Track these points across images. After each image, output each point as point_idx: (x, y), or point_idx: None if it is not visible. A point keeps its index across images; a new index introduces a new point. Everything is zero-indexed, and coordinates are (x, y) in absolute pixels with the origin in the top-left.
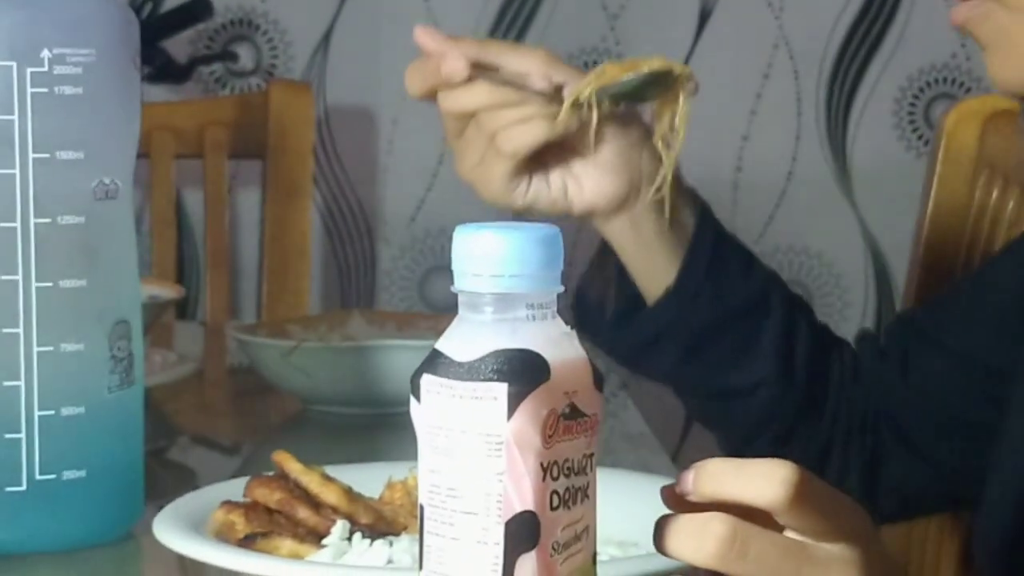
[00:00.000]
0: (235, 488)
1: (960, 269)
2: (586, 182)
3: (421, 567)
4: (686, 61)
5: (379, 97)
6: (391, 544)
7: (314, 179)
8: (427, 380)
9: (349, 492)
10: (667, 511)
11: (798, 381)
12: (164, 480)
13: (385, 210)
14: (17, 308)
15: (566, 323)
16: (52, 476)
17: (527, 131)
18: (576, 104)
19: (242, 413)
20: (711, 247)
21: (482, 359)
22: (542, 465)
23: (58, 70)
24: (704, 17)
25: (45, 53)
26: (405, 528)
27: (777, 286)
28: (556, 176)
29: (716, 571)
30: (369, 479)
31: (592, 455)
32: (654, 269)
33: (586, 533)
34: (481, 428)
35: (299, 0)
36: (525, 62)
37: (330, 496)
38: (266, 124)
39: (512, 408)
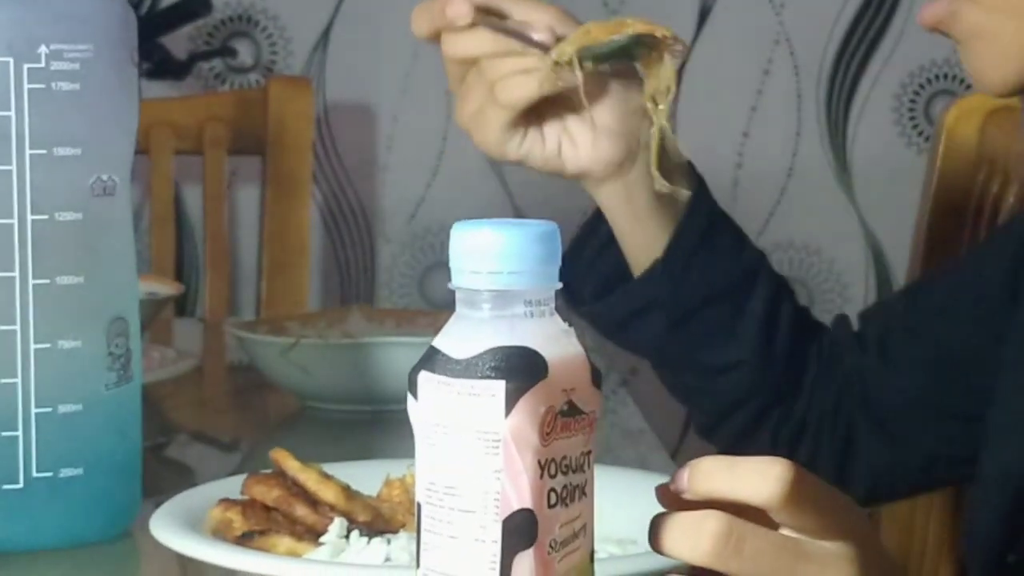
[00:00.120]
0: (232, 485)
1: None
2: (581, 143)
3: (418, 565)
4: (686, 58)
5: (379, 93)
6: (389, 542)
7: (313, 176)
8: (424, 377)
9: (347, 490)
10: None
11: (778, 362)
12: (163, 477)
13: (385, 207)
14: (14, 305)
15: (564, 320)
16: (49, 473)
17: (525, 83)
18: (559, 63)
19: (241, 410)
20: (704, 222)
21: (480, 356)
22: (540, 463)
23: (55, 66)
24: (704, 13)
25: (42, 49)
26: (403, 526)
27: (764, 267)
28: (552, 133)
29: (712, 569)
30: (367, 476)
31: (590, 453)
32: (644, 240)
33: (584, 531)
34: (478, 425)
35: None
36: (533, 14)
37: (328, 494)
38: (265, 120)
39: (510, 405)
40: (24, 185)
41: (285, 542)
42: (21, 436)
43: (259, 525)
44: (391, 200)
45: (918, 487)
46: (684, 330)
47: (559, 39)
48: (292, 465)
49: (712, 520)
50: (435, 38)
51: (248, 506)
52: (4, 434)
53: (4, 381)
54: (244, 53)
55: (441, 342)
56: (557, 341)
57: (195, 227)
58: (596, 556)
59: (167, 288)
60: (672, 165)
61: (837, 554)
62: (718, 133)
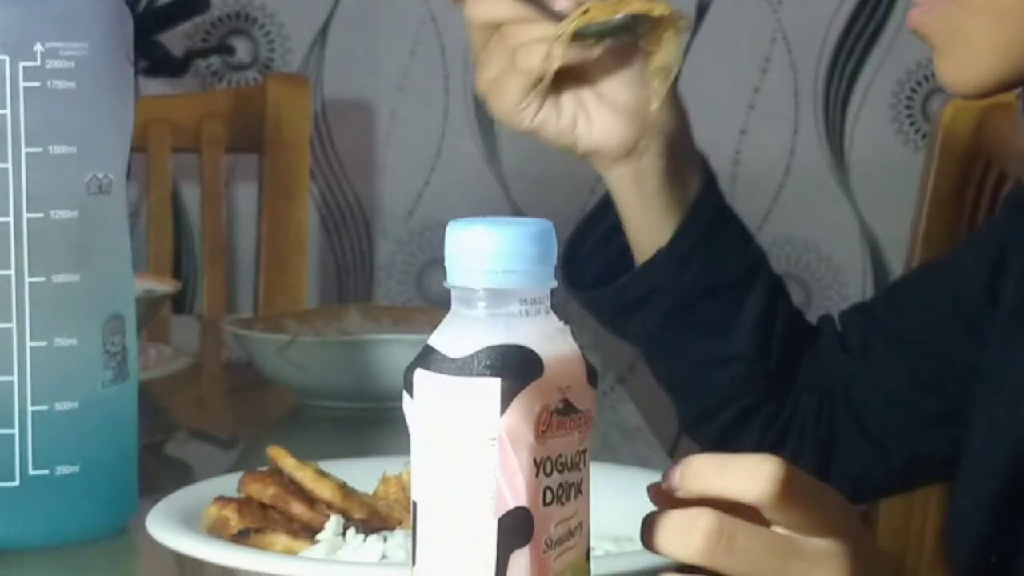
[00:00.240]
0: (229, 483)
1: None
2: (597, 121)
3: (414, 563)
4: (684, 55)
5: (376, 91)
6: (385, 540)
7: (311, 173)
8: (420, 375)
9: (343, 487)
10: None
11: (771, 360)
12: (160, 474)
13: (382, 204)
14: (10, 303)
15: (559, 318)
16: (45, 471)
17: (544, 51)
18: (559, 39)
19: (238, 407)
20: (710, 214)
21: (475, 355)
22: (535, 461)
23: (51, 64)
24: (702, 10)
25: (38, 47)
26: (399, 523)
27: (765, 266)
28: (568, 108)
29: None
30: (364, 474)
31: (585, 451)
32: (650, 227)
33: (580, 529)
34: (474, 424)
35: None
36: None
37: (324, 491)
38: (263, 118)
39: (505, 404)
40: (20, 183)
41: (281, 540)
42: (17, 434)
43: (255, 523)
44: (389, 197)
45: (899, 488)
46: (682, 321)
47: (586, 11)
48: (288, 463)
49: (703, 518)
50: (460, 1)
51: (244, 504)
52: (0, 432)
53: (0, 379)
54: (242, 51)
55: (437, 340)
56: (553, 339)
57: (193, 224)
58: (592, 554)
59: (164, 285)
60: (686, 156)
61: (828, 551)
62: (716, 131)
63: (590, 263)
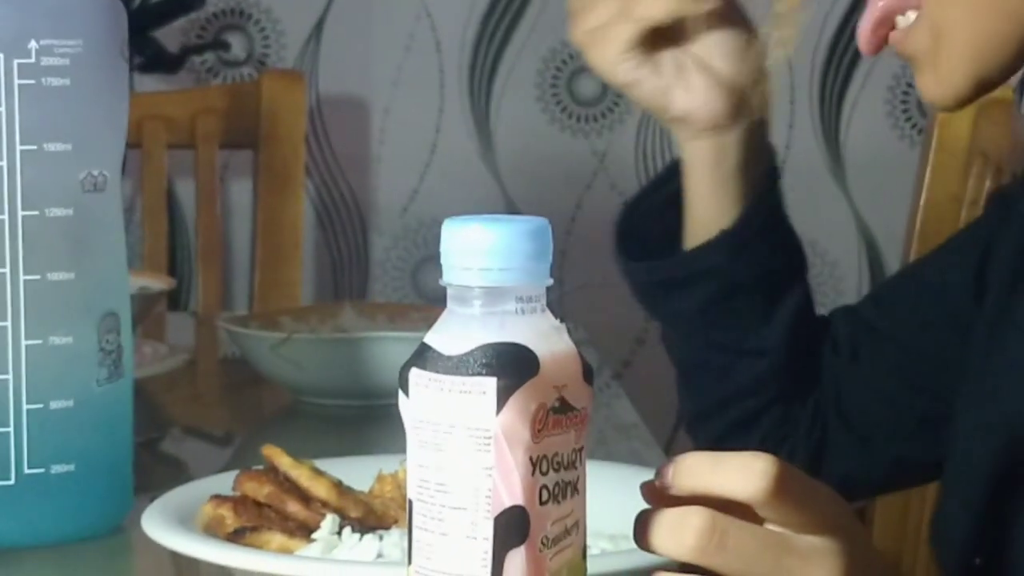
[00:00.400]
0: (224, 482)
1: None
2: (695, 87)
3: (410, 562)
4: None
5: (371, 86)
6: (381, 538)
7: (306, 169)
8: (415, 374)
9: (339, 486)
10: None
11: (798, 360)
12: (155, 472)
13: (378, 200)
14: (5, 301)
15: (555, 316)
16: (41, 470)
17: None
18: None
19: (233, 405)
20: (773, 206)
21: (471, 353)
22: (531, 459)
23: (45, 61)
24: None
25: (32, 44)
26: (395, 522)
27: (806, 268)
28: (668, 69)
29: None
30: (359, 472)
31: (582, 449)
32: (715, 207)
33: (576, 527)
34: (470, 422)
35: None
36: None
37: (320, 490)
38: (258, 114)
39: (501, 402)
40: (15, 181)
41: (277, 538)
42: (12, 432)
43: (251, 521)
44: (384, 193)
45: (886, 488)
46: (724, 306)
47: None
48: (284, 461)
49: (695, 516)
50: None
51: (240, 502)
52: None
53: None
54: (236, 47)
55: (432, 338)
56: (548, 338)
57: (187, 221)
58: (589, 552)
59: (159, 283)
60: (763, 143)
61: (822, 548)
62: None
63: (640, 236)
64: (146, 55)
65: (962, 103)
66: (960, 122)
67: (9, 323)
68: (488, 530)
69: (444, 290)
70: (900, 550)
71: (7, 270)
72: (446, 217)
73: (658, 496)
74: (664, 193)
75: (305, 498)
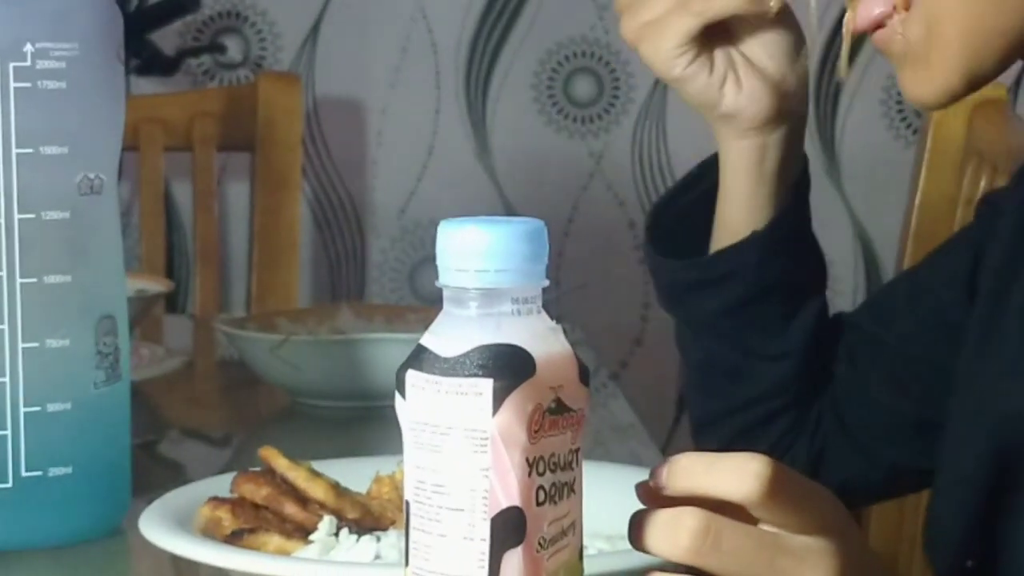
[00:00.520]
0: (222, 484)
1: None
2: (747, 85)
3: (407, 563)
4: None
5: (368, 88)
6: (378, 540)
7: (303, 171)
8: (412, 376)
9: (336, 487)
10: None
11: (816, 366)
12: (153, 474)
13: (374, 202)
14: (2, 304)
15: (551, 317)
16: (38, 473)
17: None
18: None
19: (231, 406)
20: (805, 211)
21: (467, 354)
22: (528, 460)
23: (41, 64)
24: None
25: (28, 47)
26: (393, 523)
27: (825, 275)
28: (720, 66)
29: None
30: (357, 473)
31: (578, 450)
32: (751, 208)
33: (572, 528)
34: (466, 424)
35: None
36: None
37: (317, 491)
38: (255, 116)
39: (497, 403)
40: (11, 184)
41: (274, 540)
42: (10, 435)
43: (248, 523)
44: (381, 195)
45: (883, 495)
46: (749, 308)
47: None
48: (281, 463)
49: (690, 516)
50: None
51: (237, 504)
52: None
53: None
54: (233, 49)
55: (428, 340)
56: (544, 339)
57: (185, 224)
58: (585, 552)
59: (157, 285)
60: (799, 148)
61: (816, 549)
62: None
63: (673, 232)
64: (142, 58)
65: (951, 98)
66: (955, 122)
67: (6, 326)
68: (485, 531)
69: (441, 291)
70: (896, 553)
71: (4, 273)
72: (442, 219)
73: (653, 497)
74: (696, 192)
75: (302, 500)
